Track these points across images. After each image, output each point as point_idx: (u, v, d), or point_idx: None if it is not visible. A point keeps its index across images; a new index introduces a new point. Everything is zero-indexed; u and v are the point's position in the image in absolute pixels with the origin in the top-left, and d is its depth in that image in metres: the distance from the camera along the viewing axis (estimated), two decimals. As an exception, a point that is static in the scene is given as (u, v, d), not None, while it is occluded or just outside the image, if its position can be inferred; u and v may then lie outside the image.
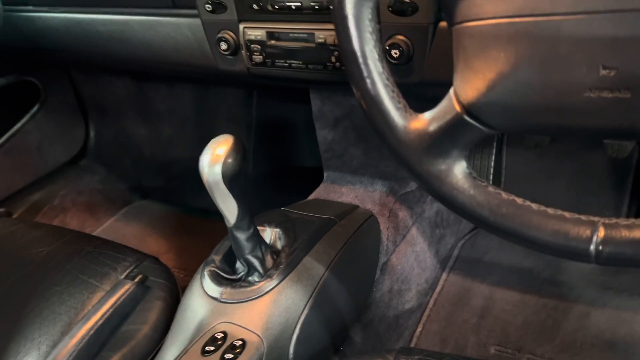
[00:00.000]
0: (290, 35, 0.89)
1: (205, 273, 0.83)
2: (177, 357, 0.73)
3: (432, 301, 1.21)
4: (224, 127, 1.83)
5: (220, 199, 0.74)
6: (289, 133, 1.74)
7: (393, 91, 0.57)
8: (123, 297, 0.68)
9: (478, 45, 0.51)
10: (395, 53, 0.80)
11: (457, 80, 0.53)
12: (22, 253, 1.02)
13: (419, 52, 0.79)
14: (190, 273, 1.44)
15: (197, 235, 1.57)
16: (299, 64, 0.90)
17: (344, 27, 0.56)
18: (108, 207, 1.64)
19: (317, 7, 0.84)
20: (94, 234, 1.58)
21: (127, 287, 0.69)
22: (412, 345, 1.12)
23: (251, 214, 0.79)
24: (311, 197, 1.16)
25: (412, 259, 1.16)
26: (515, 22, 0.48)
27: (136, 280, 0.70)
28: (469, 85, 0.52)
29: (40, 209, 1.49)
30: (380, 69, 0.56)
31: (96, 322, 0.65)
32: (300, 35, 0.88)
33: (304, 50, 0.88)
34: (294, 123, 1.72)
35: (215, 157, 0.72)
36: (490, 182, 1.40)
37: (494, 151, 1.36)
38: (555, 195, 1.36)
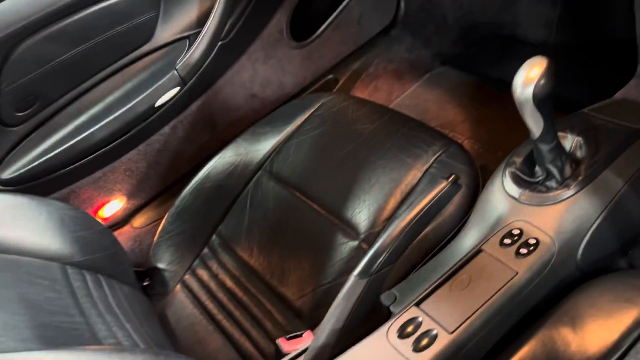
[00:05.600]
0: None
1: (507, 173, 0.94)
2: (479, 243, 0.89)
3: None
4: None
5: (528, 116, 0.82)
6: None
7: None
8: (440, 194, 0.85)
9: None
10: None
11: None
12: (352, 127, 1.27)
13: None
14: (483, 145, 1.58)
15: (491, 106, 1.65)
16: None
17: None
18: (413, 74, 1.80)
19: None
20: (400, 99, 1.78)
21: (443, 185, 0.85)
22: None
23: (555, 129, 0.85)
24: (618, 94, 1.13)
25: None
26: None
27: (450, 179, 0.86)
28: None
29: (359, 76, 1.72)
30: None
31: (419, 211, 0.85)
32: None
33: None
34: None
35: (528, 78, 0.79)
36: None
37: None
38: None
